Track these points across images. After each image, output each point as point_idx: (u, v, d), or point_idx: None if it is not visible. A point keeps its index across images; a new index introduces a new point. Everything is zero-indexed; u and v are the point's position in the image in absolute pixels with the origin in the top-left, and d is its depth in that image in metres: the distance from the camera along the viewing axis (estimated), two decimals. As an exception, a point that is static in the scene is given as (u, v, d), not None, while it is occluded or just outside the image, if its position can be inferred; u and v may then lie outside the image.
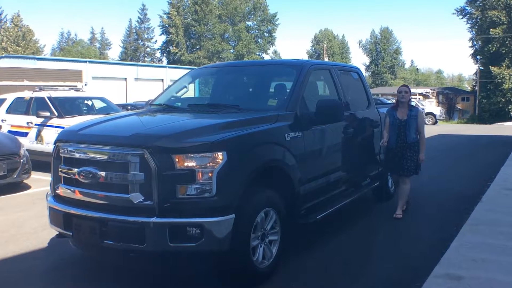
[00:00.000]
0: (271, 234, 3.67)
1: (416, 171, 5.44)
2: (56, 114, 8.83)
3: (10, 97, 10.04)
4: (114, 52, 79.70)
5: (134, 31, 63.67)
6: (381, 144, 5.44)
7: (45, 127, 8.84)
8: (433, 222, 5.34)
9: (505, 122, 31.08)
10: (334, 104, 4.24)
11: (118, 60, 56.77)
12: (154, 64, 51.83)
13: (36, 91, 9.62)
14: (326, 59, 58.52)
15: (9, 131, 9.02)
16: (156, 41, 76.57)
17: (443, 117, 30.83)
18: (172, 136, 3.28)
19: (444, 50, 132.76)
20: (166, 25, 59.91)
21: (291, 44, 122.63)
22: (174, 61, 58.23)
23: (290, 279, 3.63)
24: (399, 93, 5.39)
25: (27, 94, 9.86)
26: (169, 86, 5.47)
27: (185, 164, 3.14)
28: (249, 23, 62.35)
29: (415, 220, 5.43)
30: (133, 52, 63.15)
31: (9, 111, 9.71)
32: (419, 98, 34.24)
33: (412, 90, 40.63)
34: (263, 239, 3.59)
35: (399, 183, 5.60)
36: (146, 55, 64.74)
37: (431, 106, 31.39)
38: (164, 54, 63.69)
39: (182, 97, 5.25)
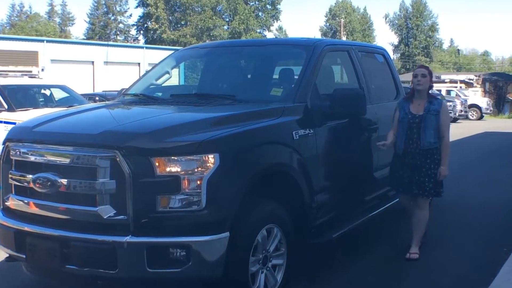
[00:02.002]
0: (275, 257, 3.68)
1: (436, 191, 4.71)
2: (6, 106, 8.84)
3: None
4: (79, 29, 79.49)
5: (104, 2, 63.70)
6: (380, 146, 4.75)
7: (-9, 123, 8.84)
8: (477, 240, 5.36)
9: None
10: (354, 94, 4.25)
11: (83, 39, 56.80)
12: (128, 44, 51.88)
13: (-20, 78, 9.63)
14: (344, 38, 58.53)
15: None
16: (131, 15, 76.46)
17: (490, 110, 30.85)
18: (151, 134, 3.29)
19: (492, 27, 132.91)
20: (144, -5, 60.02)
21: (300, 19, 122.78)
22: (153, 40, 58.26)
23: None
24: (414, 77, 4.73)
25: (-32, 81, 9.86)
26: (147, 72, 5.48)
27: (168, 169, 3.15)
28: (248, -8, 62.50)
29: (455, 235, 5.45)
30: (102, 29, 63.17)
31: None
32: (461, 87, 34.24)
33: (452, 77, 40.06)
34: (265, 263, 3.60)
35: (411, 208, 4.91)
36: (118, 32, 64.78)
37: (476, 96, 31.44)
38: (141, 32, 63.74)
39: (163, 85, 5.26)
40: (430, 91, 4.78)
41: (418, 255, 4.71)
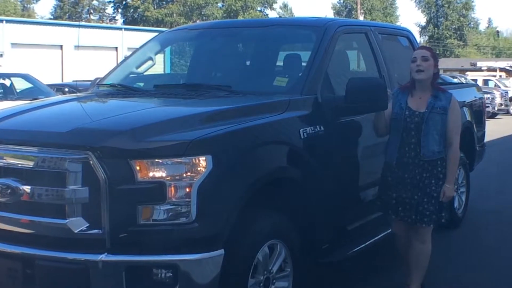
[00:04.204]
0: (278, 278, 3.68)
1: (439, 216, 4.24)
2: (-42, 99, 8.85)
3: None
4: (44, 8, 79.84)
5: (74, -25, 63.77)
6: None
7: None
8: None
9: None
10: (373, 84, 4.25)
11: (50, 19, 56.88)
12: (103, 24, 51.94)
13: None
14: (361, 18, 58.60)
15: None
16: (107, -9, 76.43)
17: (536, 103, 30.83)
18: (131, 132, 3.29)
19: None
20: (122, -33, 60.13)
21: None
22: (134, 20, 58.38)
23: None
24: (412, 62, 4.20)
25: None
26: (126, 58, 5.49)
27: (150, 174, 3.15)
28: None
29: (495, 255, 5.46)
30: (73, 7, 63.32)
31: None
32: (500, 76, 34.29)
33: (490, 64, 40.20)
34: (267, 286, 3.59)
35: (407, 239, 4.37)
36: (92, 11, 64.90)
37: (518, 87, 31.39)
38: (119, 10, 63.86)
39: (145, 74, 5.27)
40: (435, 81, 4.26)
41: None
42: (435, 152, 4.12)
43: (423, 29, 76.31)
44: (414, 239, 4.30)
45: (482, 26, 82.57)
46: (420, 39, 69.35)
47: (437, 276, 4.77)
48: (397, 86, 4.71)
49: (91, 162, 3.14)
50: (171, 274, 3.11)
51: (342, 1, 74.78)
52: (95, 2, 64.83)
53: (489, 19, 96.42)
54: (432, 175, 4.14)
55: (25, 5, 68.07)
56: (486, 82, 29.79)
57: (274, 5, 65.74)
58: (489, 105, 22.27)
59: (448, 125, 4.16)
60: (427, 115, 4.12)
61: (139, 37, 28.72)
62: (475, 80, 26.26)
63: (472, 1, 75.61)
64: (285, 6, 71.98)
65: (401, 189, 4.17)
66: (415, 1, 76.81)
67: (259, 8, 63.13)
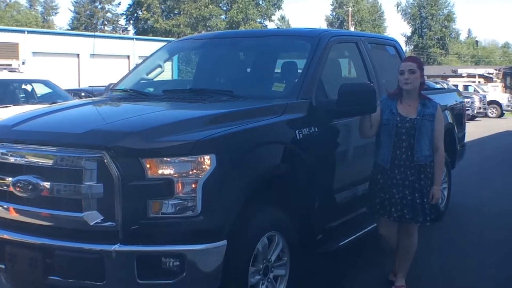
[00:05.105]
0: (277, 267, 3.68)
1: (432, 215, 4.21)
2: (-16, 103, 8.83)
3: None
4: (63, 19, 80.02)
5: (90, -11, 63.72)
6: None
7: (-32, 121, 8.84)
8: (498, 251, 5.38)
9: None
10: (363, 89, 4.24)
11: (68, 30, 56.85)
12: (117, 35, 51.88)
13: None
14: (352, 29, 58.59)
15: None
16: (119, 4, 76.50)
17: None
18: (142, 133, 3.29)
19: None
20: (134, -18, 60.07)
21: (304, 8, 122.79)
22: (144, 31, 58.32)
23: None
24: (400, 74, 4.13)
25: None
26: (137, 65, 5.48)
27: (160, 171, 3.15)
28: (247, -22, 62.43)
29: (475, 247, 5.47)
30: (89, 19, 63.24)
31: None
32: (479, 82, 34.26)
33: (470, 71, 40.12)
34: (266, 273, 3.60)
35: (394, 238, 4.32)
36: (106, 22, 64.85)
37: (496, 92, 31.41)
38: (131, 22, 63.82)
39: (155, 80, 5.26)
40: (421, 91, 4.20)
41: None
42: (427, 156, 4.09)
43: (408, 39, 76.21)
44: (402, 234, 4.28)
45: (463, 36, 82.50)
46: (406, 48, 69.31)
47: (421, 266, 4.76)
48: (385, 92, 4.71)
49: (105, 160, 3.14)
50: (178, 263, 3.11)
51: (334, 14, 74.70)
52: (109, 15, 64.80)
53: (469, 29, 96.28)
54: (426, 177, 4.11)
55: (45, 17, 68.03)
56: (466, 87, 29.75)
57: (273, 17, 65.72)
58: (469, 108, 22.27)
59: (435, 132, 4.13)
60: (419, 122, 4.07)
61: (149, 46, 28.77)
62: (456, 86, 26.25)
63: (453, 14, 75.57)
64: (282, 18, 71.94)
65: (393, 190, 4.10)
66: (401, 13, 76.80)
67: (258, 20, 63.05)
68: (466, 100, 12.70)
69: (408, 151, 4.07)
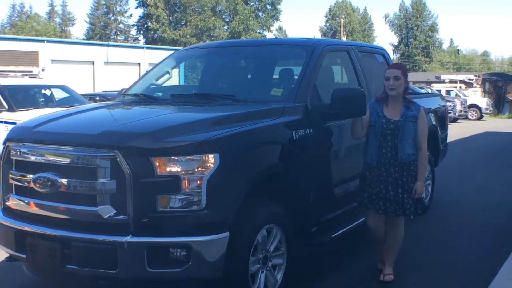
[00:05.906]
0: (275, 256, 3.68)
1: (417, 209, 4.19)
2: (6, 106, 8.83)
3: None
4: (79, 30, 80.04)
5: (104, 2, 63.71)
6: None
7: (-8, 123, 8.84)
8: (477, 242, 5.37)
9: None
10: (354, 94, 4.24)
11: (84, 39, 56.81)
12: (128, 44, 51.87)
13: (-19, 78, 9.63)
14: (344, 38, 58.52)
15: None
16: (131, 15, 76.35)
17: (490, 110, 30.88)
18: (152, 134, 3.29)
19: (491, 27, 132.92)
20: (144, -5, 59.97)
21: (300, 19, 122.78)
22: (153, 40, 58.28)
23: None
24: (386, 81, 4.15)
25: (-31, 81, 9.86)
26: (147, 72, 5.48)
27: (168, 169, 3.15)
28: (248, -8, 62.44)
29: (456, 239, 5.46)
30: (103, 29, 63.20)
31: None
32: (460, 87, 34.24)
33: (452, 77, 39.95)
34: (265, 263, 3.60)
35: (384, 227, 4.30)
36: (118, 32, 64.81)
37: (475, 96, 31.44)
38: (141, 32, 63.76)
39: (163, 85, 5.26)
40: (405, 95, 4.18)
41: (393, 276, 4.25)
42: (410, 155, 4.10)
43: (396, 48, 76.15)
44: (390, 226, 4.28)
45: (445, 45, 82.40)
46: (393, 56, 69.24)
47: (407, 256, 4.75)
48: (374, 97, 4.71)
49: (118, 159, 3.14)
50: (185, 253, 3.11)
51: (328, 25, 74.63)
52: (121, 25, 64.76)
53: (451, 39, 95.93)
54: (409, 174, 4.10)
55: (63, 28, 67.92)
56: (448, 92, 29.78)
57: (271, 28, 65.70)
58: (451, 111, 22.26)
59: (418, 132, 4.14)
60: (402, 123, 4.09)
61: (158, 55, 28.73)
62: (439, 91, 26.22)
63: (437, 25, 75.53)
64: (280, 28, 71.87)
65: (380, 186, 4.11)
66: (389, 24, 76.75)
67: (258, 31, 63.03)
68: (448, 103, 12.72)
69: (393, 150, 4.09)
